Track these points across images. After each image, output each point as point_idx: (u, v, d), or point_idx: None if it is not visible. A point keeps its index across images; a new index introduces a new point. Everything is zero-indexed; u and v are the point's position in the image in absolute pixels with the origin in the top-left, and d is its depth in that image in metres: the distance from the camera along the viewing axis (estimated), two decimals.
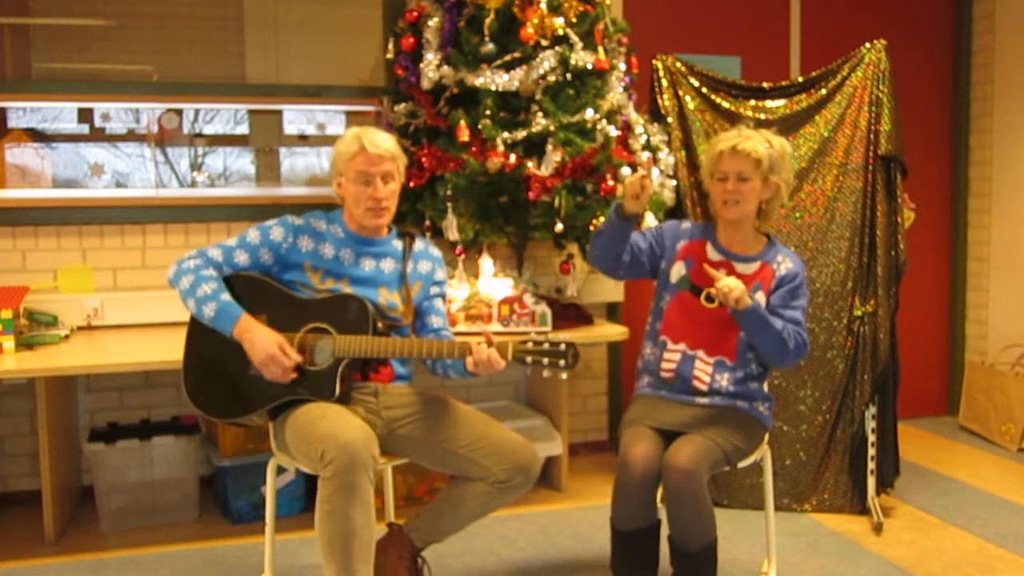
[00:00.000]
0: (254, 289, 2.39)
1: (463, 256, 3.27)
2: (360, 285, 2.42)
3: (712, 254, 2.53)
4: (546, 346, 2.22)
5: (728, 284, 2.32)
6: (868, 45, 3.33)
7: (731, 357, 2.46)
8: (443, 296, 2.62)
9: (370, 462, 2.09)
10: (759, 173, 2.43)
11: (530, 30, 3.11)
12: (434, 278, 2.58)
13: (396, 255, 2.51)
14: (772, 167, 2.44)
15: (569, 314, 3.39)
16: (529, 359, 2.22)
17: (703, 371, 2.47)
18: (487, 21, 3.13)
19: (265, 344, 2.27)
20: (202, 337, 2.38)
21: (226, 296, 2.33)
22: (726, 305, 2.35)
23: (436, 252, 2.62)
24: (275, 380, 2.29)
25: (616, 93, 3.30)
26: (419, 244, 2.58)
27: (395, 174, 2.43)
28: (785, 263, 2.49)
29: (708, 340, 2.47)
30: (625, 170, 3.16)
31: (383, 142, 2.40)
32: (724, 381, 2.46)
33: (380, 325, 2.34)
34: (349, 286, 2.41)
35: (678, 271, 2.54)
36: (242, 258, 2.41)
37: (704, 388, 2.47)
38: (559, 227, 3.16)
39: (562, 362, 2.21)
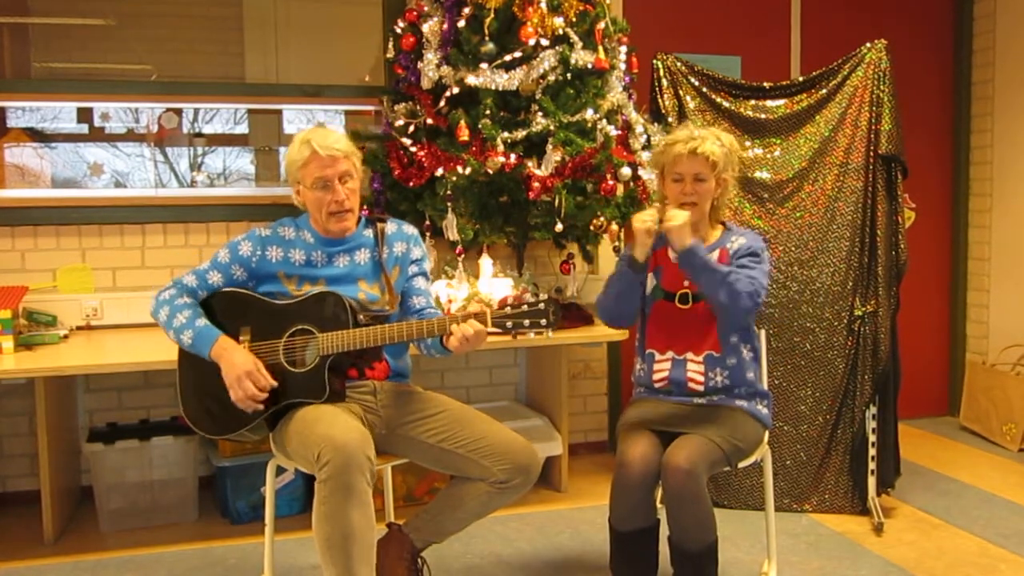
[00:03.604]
0: (233, 304, 2.38)
1: (463, 256, 3.26)
2: (336, 284, 2.39)
3: (674, 257, 2.52)
4: (525, 308, 2.21)
5: (673, 213, 2.34)
6: (869, 45, 3.33)
7: (717, 348, 2.45)
8: (424, 274, 2.56)
9: (366, 463, 2.09)
10: (715, 174, 2.43)
11: (530, 30, 3.10)
12: (411, 257, 2.52)
13: (369, 244, 2.47)
14: (724, 166, 2.45)
15: (569, 314, 3.38)
16: (509, 323, 2.21)
17: (696, 371, 2.46)
18: (487, 21, 3.12)
19: (241, 362, 2.25)
20: (192, 359, 2.37)
21: (201, 321, 2.33)
22: (671, 242, 2.35)
23: (409, 230, 2.56)
24: (239, 403, 2.25)
25: (616, 93, 3.30)
26: (391, 227, 2.52)
27: (352, 172, 2.38)
28: (738, 241, 2.48)
29: (692, 341, 2.47)
30: (625, 170, 3.16)
31: (334, 142, 2.34)
32: (718, 376, 2.45)
33: (362, 317, 2.31)
34: (326, 287, 2.37)
35: (650, 282, 2.55)
36: (216, 278, 2.41)
37: (700, 388, 2.46)
38: (559, 227, 3.15)
39: (543, 320, 2.20)
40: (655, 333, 2.53)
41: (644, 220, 2.36)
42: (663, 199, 2.54)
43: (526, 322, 2.20)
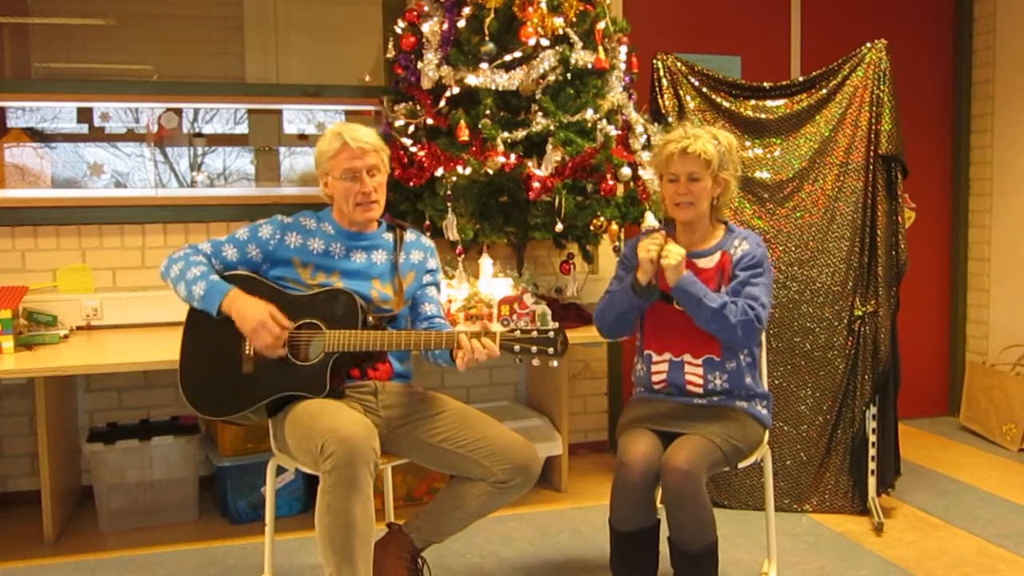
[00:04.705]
0: (244, 287, 2.38)
1: (463, 256, 3.27)
2: (351, 278, 2.41)
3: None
4: (534, 334, 2.23)
5: (670, 250, 2.34)
6: (869, 45, 3.33)
7: (717, 353, 2.45)
8: (436, 284, 2.61)
9: (371, 456, 2.09)
10: (709, 172, 2.42)
11: (530, 29, 3.11)
12: (426, 267, 2.58)
13: (387, 247, 2.51)
14: (721, 164, 2.43)
15: (569, 314, 3.38)
16: (517, 347, 2.23)
17: (694, 374, 2.46)
18: (487, 21, 3.12)
19: (256, 311, 2.27)
20: (197, 338, 2.39)
21: (215, 276, 2.36)
22: (666, 276, 2.35)
23: (427, 242, 2.62)
24: (266, 351, 2.28)
25: (616, 93, 3.30)
26: (410, 235, 2.58)
27: (380, 166, 2.43)
28: (741, 246, 2.46)
29: (690, 343, 2.46)
30: (625, 170, 3.16)
31: (365, 136, 2.40)
32: (718, 380, 2.45)
33: (371, 319, 2.34)
34: (340, 280, 2.40)
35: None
36: (230, 252, 2.43)
37: (700, 391, 2.46)
38: (559, 227, 3.16)
39: (551, 349, 2.22)
40: (652, 334, 2.53)
41: (649, 249, 2.37)
42: (662, 200, 2.54)
43: (533, 349, 2.22)
